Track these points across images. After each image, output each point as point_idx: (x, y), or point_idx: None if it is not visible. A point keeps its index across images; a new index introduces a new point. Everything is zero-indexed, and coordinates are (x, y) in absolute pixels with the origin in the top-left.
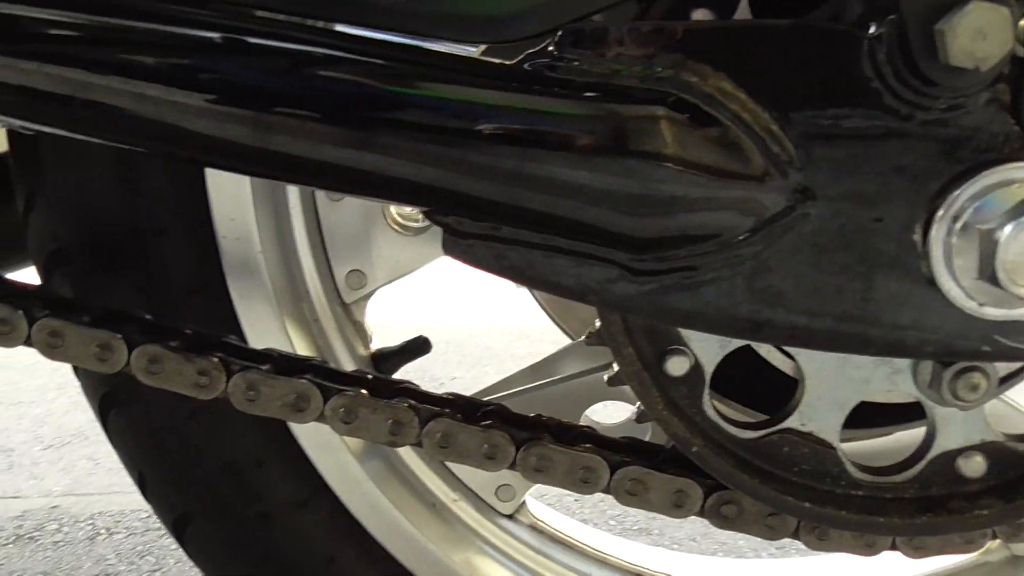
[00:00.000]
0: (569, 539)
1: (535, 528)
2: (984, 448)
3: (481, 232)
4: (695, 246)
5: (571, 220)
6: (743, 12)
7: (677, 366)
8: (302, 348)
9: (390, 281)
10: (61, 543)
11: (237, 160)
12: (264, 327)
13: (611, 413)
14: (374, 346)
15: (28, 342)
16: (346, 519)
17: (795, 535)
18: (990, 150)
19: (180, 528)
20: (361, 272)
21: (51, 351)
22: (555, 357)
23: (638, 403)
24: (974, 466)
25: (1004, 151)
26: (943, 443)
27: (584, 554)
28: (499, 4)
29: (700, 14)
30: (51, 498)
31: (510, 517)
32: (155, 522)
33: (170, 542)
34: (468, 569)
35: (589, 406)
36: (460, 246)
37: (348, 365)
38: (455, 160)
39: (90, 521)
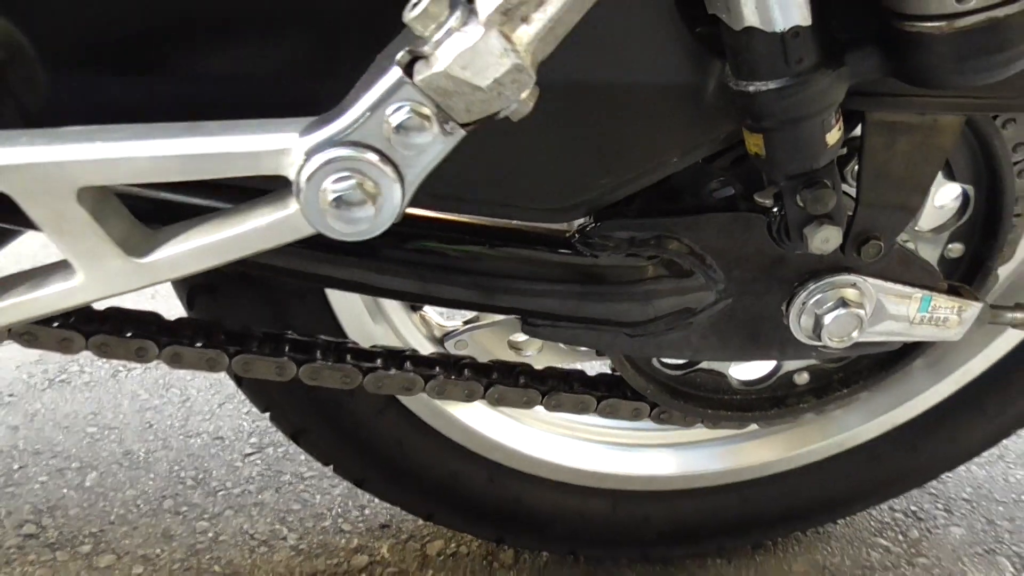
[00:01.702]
0: None
1: None
2: (808, 368)
3: (547, 323)
4: (670, 320)
5: (601, 317)
6: None
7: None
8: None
9: None
10: (91, 383)
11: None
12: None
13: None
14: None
15: None
16: (405, 412)
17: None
18: (822, 270)
19: (298, 436)
20: None
21: None
22: None
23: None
24: (802, 378)
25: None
26: (787, 367)
27: None
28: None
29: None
30: None
31: None
32: None
33: (185, 375)
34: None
35: None
36: (535, 330)
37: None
38: (539, 292)
39: (105, 361)
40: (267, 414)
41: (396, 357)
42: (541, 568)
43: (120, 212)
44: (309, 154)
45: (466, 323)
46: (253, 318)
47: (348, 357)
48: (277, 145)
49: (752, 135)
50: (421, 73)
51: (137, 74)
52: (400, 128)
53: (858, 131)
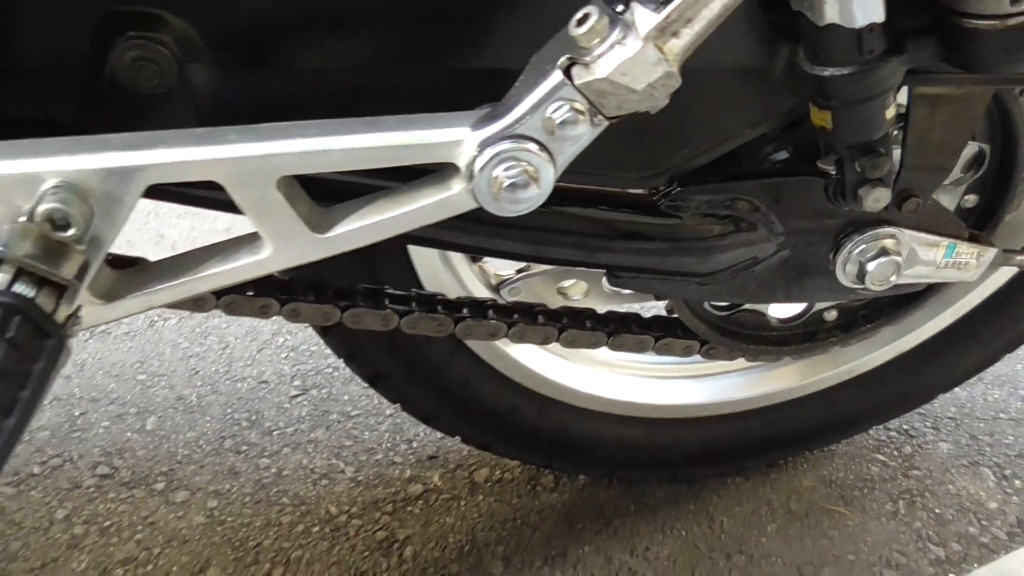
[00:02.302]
0: None
1: None
2: (836, 307)
3: (630, 276)
4: (736, 270)
5: (678, 270)
6: None
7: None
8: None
9: None
10: (130, 333)
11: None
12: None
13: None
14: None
15: None
16: (471, 355)
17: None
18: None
19: (376, 380)
20: None
21: None
22: None
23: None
24: (831, 315)
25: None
26: (818, 305)
27: None
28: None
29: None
30: None
31: None
32: None
33: (220, 321)
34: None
35: None
36: (619, 282)
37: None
38: (629, 249)
39: None
40: (348, 360)
41: (480, 307)
42: (579, 490)
43: (301, 194)
44: (482, 146)
45: (519, 272)
46: (352, 276)
47: (439, 308)
48: (451, 137)
49: (819, 111)
50: (581, 77)
51: (294, 72)
52: (560, 123)
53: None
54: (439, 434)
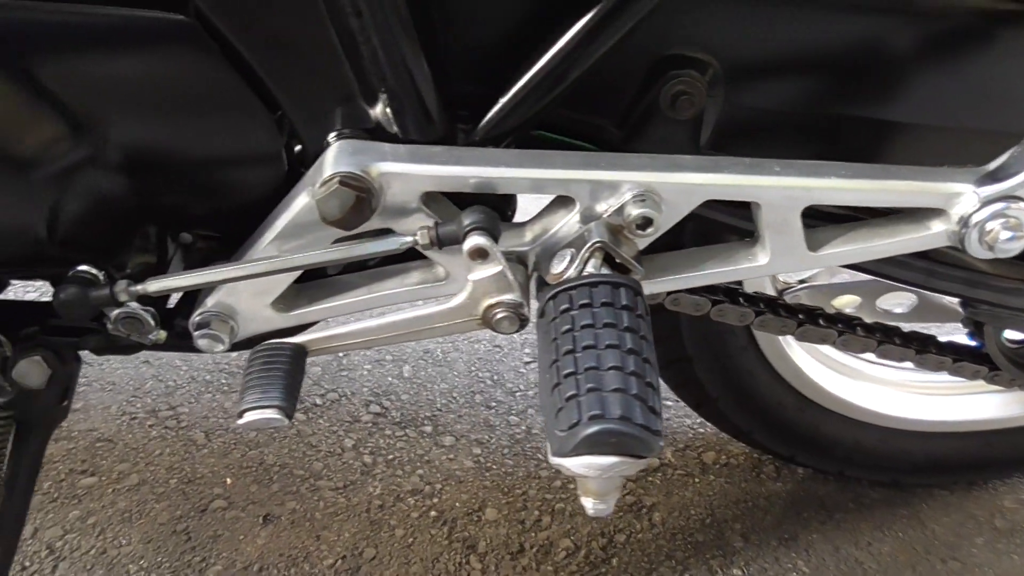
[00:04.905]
0: None
1: None
2: None
3: (987, 309)
4: None
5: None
6: None
7: None
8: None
9: None
10: None
11: None
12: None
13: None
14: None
15: None
16: (759, 352)
17: None
18: None
19: (672, 363)
20: None
21: None
22: None
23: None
24: None
25: None
26: None
27: None
28: None
29: None
30: None
31: None
32: None
33: None
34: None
35: None
36: (975, 312)
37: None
38: (998, 288)
39: None
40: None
41: (810, 313)
42: (799, 482)
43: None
44: (984, 202)
45: (800, 282)
46: None
47: (781, 312)
48: (954, 190)
49: None
50: None
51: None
52: None
53: None
54: (665, 415)
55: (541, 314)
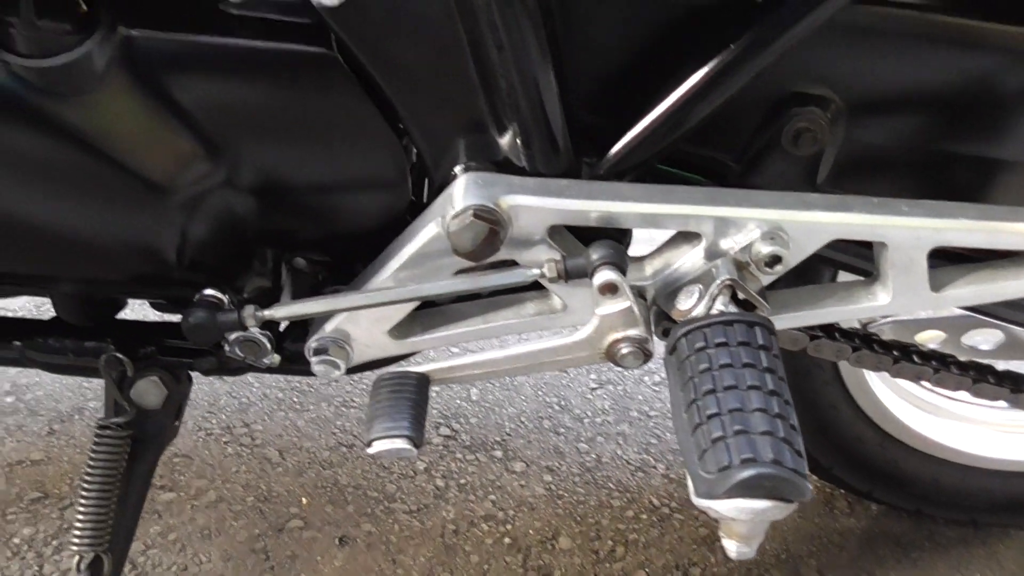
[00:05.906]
0: None
1: None
2: None
3: None
4: None
5: None
6: None
7: None
8: None
9: None
10: None
11: None
12: None
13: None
14: None
15: None
16: (842, 387)
17: None
18: None
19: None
20: None
21: None
22: None
23: None
24: None
25: None
26: None
27: None
28: None
29: None
30: None
31: None
32: None
33: None
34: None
35: None
36: None
37: None
38: None
39: None
40: None
41: (904, 349)
42: (873, 518)
43: None
44: None
45: (883, 317)
46: None
47: (876, 347)
48: None
49: None
50: None
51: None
52: None
53: None
54: None
55: (671, 350)
